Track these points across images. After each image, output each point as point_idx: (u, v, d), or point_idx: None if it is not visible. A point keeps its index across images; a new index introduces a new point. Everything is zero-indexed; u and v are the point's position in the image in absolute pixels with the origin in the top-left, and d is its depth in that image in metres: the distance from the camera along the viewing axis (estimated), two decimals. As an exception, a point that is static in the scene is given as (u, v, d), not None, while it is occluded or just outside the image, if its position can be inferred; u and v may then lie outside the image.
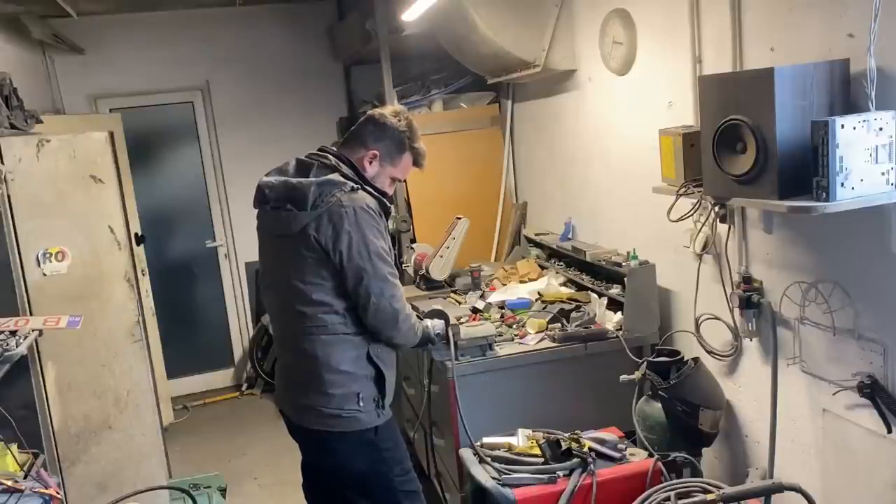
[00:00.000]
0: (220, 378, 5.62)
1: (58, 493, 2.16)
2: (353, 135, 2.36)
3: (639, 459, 2.33)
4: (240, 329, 5.62)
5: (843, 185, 1.72)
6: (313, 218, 2.17)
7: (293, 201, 2.20)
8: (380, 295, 2.19)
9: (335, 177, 2.21)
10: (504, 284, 3.60)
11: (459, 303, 3.42)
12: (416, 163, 2.40)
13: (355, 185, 2.22)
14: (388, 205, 2.35)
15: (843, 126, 1.70)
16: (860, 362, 2.00)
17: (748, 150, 1.90)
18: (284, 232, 2.24)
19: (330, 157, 2.29)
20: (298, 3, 5.31)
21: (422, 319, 2.48)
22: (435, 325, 2.50)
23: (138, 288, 3.21)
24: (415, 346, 2.44)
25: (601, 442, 2.36)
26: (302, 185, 2.19)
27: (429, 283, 3.71)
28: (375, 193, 2.28)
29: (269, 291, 2.44)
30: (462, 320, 2.92)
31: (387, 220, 2.30)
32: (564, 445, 2.29)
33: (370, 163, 2.32)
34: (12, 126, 2.94)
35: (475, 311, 3.23)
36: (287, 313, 2.32)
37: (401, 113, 2.36)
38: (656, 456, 2.31)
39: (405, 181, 4.30)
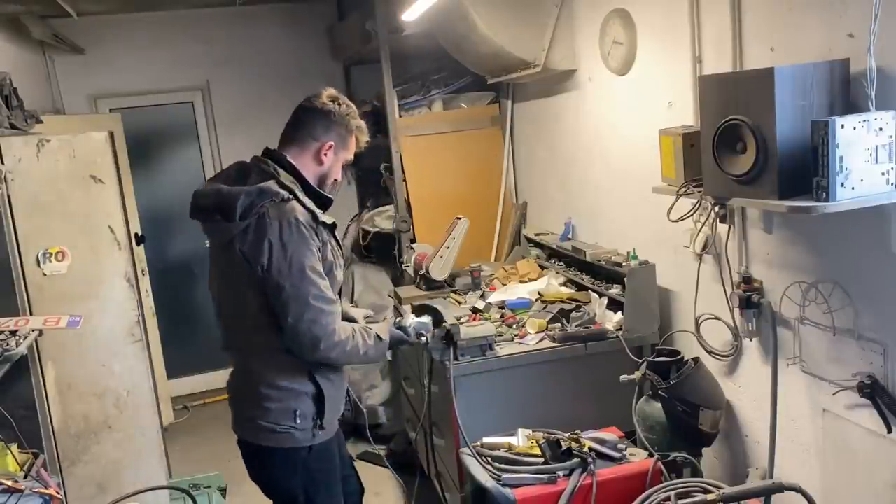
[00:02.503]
0: (220, 378, 5.54)
1: (58, 493, 2.16)
2: (297, 130, 2.23)
3: (639, 459, 2.33)
4: (240, 329, 5.61)
5: (843, 185, 1.72)
6: (240, 229, 2.06)
7: (221, 211, 2.07)
8: (297, 317, 2.04)
9: (268, 185, 2.07)
10: (504, 284, 3.60)
11: (459, 303, 3.42)
12: (359, 141, 2.29)
13: (287, 196, 2.07)
14: (328, 201, 2.24)
15: (843, 126, 1.70)
16: (860, 362, 2.00)
17: (748, 150, 1.90)
18: (216, 243, 2.18)
19: (269, 162, 2.17)
20: (298, 3, 5.31)
21: (401, 317, 2.41)
22: (417, 322, 2.37)
23: (138, 288, 3.21)
24: (379, 357, 2.28)
25: (601, 442, 2.36)
26: (231, 194, 2.06)
27: (429, 283, 3.71)
28: (308, 205, 2.12)
29: (215, 302, 2.30)
30: (462, 320, 2.91)
31: (319, 224, 2.13)
32: (564, 445, 2.28)
33: (326, 154, 2.21)
34: (12, 126, 2.94)
35: (475, 311, 3.23)
36: (229, 325, 2.26)
37: (337, 96, 2.25)
38: (656, 456, 2.31)
39: (405, 180, 4.33)
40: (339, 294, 2.27)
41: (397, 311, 3.62)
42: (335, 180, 2.29)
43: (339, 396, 2.28)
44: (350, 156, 2.29)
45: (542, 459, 2.27)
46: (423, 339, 2.41)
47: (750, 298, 2.33)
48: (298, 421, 2.16)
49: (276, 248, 2.03)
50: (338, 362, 2.19)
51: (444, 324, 2.51)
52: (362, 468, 3.17)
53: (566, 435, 2.34)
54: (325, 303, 2.07)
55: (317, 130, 2.21)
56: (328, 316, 2.08)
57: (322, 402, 2.17)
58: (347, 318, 2.42)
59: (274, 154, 2.21)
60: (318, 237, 2.10)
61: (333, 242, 2.21)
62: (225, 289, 2.23)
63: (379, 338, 2.23)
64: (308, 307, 2.05)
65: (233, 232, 2.07)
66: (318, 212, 2.15)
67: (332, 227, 2.21)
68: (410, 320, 2.40)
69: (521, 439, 2.36)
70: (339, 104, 2.23)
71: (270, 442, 2.19)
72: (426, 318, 2.46)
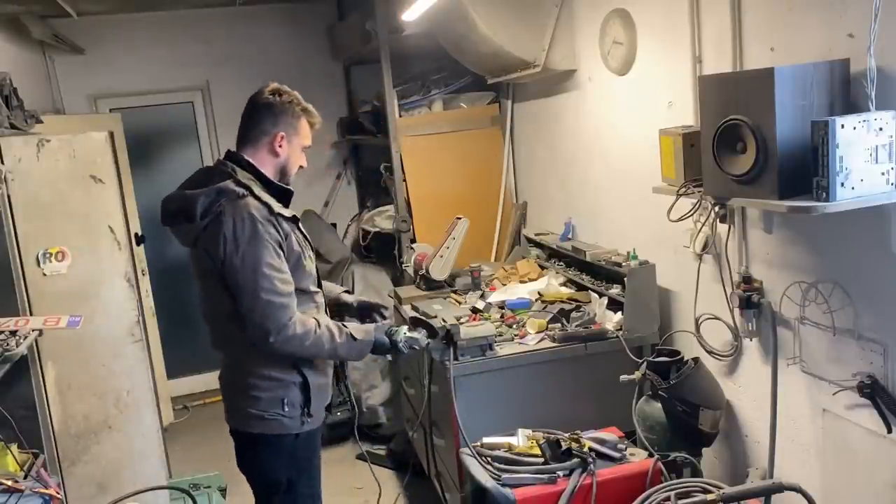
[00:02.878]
0: (220, 378, 5.61)
1: (58, 493, 2.16)
2: (248, 129, 2.29)
3: (639, 459, 2.33)
4: (240, 329, 5.62)
5: (843, 185, 1.72)
6: (201, 229, 2.14)
7: (185, 213, 2.16)
8: (249, 310, 2.11)
9: (225, 184, 2.14)
10: (504, 284, 3.60)
11: (459, 303, 3.42)
12: (312, 125, 2.35)
13: (243, 193, 2.13)
14: (288, 193, 2.30)
15: (843, 126, 1.70)
16: (860, 362, 2.00)
17: (748, 150, 1.90)
18: (186, 245, 2.26)
19: (228, 163, 2.25)
20: (298, 3, 5.31)
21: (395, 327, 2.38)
22: (408, 336, 2.34)
23: (138, 288, 3.21)
24: (353, 356, 2.31)
25: (601, 442, 2.36)
26: (192, 197, 2.14)
27: (429, 283, 3.71)
28: (264, 199, 2.16)
29: (200, 300, 2.38)
30: (462, 320, 2.91)
31: (277, 217, 2.17)
32: (564, 445, 2.29)
33: (281, 145, 2.27)
34: (12, 126, 2.94)
35: (475, 311, 3.23)
36: (211, 322, 2.34)
37: (277, 88, 2.29)
38: (656, 456, 2.31)
39: (405, 180, 4.33)
40: (319, 283, 2.35)
41: (398, 313, 3.62)
42: (301, 167, 2.35)
43: (325, 386, 2.34)
44: (306, 141, 2.34)
45: (542, 459, 2.27)
46: (413, 350, 2.39)
47: (750, 298, 2.33)
48: (287, 409, 2.22)
49: (230, 244, 2.10)
50: (298, 355, 2.20)
51: (437, 336, 2.48)
52: (362, 467, 3.17)
53: (566, 435, 2.34)
54: (277, 296, 2.10)
55: (265, 124, 2.26)
56: (280, 309, 2.10)
57: (309, 392, 2.24)
58: (339, 302, 2.57)
59: (232, 155, 2.28)
60: (277, 230, 2.15)
61: (298, 234, 2.26)
62: (202, 288, 2.30)
63: (353, 337, 2.23)
64: (257, 300, 2.09)
65: (195, 232, 2.16)
66: (276, 205, 2.19)
67: (294, 220, 2.25)
68: (403, 333, 2.35)
69: (521, 439, 2.36)
70: (278, 95, 2.28)
71: (259, 429, 2.25)
72: (418, 334, 2.41)
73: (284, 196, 2.29)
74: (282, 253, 2.15)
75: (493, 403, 2.75)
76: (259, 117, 2.27)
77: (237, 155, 2.27)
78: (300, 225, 2.29)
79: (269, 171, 2.26)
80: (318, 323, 2.19)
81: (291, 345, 2.13)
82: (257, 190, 2.18)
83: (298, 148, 2.32)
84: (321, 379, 2.31)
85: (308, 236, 2.35)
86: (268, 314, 2.10)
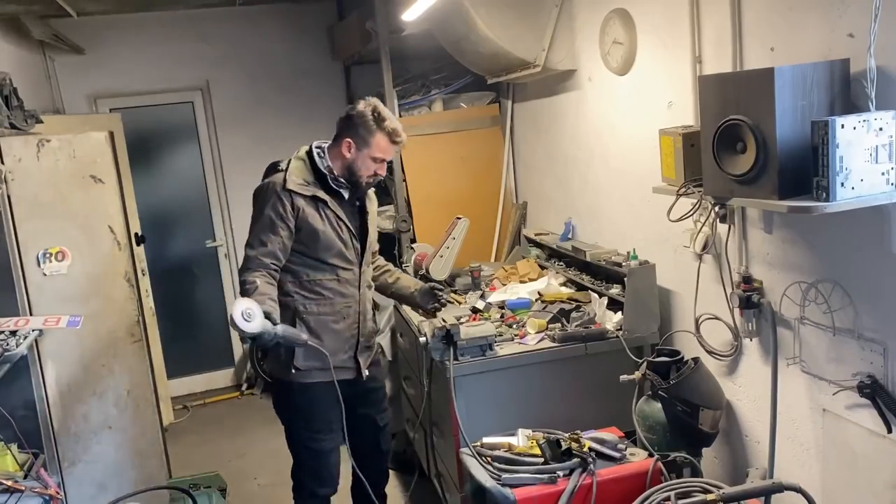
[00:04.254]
0: (220, 378, 5.62)
1: (58, 493, 2.17)
2: (337, 129, 2.73)
3: (639, 459, 2.33)
4: (240, 329, 5.62)
5: (843, 185, 1.72)
6: None
7: None
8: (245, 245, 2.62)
9: (282, 163, 2.66)
10: (504, 284, 3.60)
11: (459, 303, 3.42)
12: (392, 140, 2.67)
13: (281, 168, 2.63)
14: (342, 186, 2.69)
15: (843, 126, 1.70)
16: (860, 362, 2.00)
17: (748, 150, 1.90)
18: None
19: (302, 148, 2.71)
20: (298, 3, 5.30)
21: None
22: (244, 307, 2.28)
23: (138, 288, 3.21)
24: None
25: (601, 442, 2.36)
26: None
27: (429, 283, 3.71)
28: (291, 178, 2.59)
29: None
30: (462, 320, 2.91)
31: (290, 192, 2.57)
32: (564, 445, 2.29)
33: (349, 150, 2.65)
34: (12, 126, 2.94)
35: (475, 311, 3.22)
36: None
37: (368, 102, 2.68)
38: (656, 456, 2.31)
39: (405, 180, 4.33)
40: (352, 259, 2.70)
41: (398, 313, 3.62)
42: (375, 174, 2.70)
43: (318, 346, 2.57)
44: (376, 153, 2.67)
45: (542, 459, 2.27)
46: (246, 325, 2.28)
47: (750, 298, 2.33)
48: (283, 358, 2.65)
49: (253, 205, 2.65)
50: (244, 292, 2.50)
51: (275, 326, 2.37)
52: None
53: (566, 435, 2.34)
54: (250, 247, 2.57)
55: (342, 129, 2.70)
56: (246, 258, 2.55)
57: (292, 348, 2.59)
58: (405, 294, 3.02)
59: (318, 146, 2.72)
60: (287, 201, 2.56)
61: (322, 212, 2.62)
62: None
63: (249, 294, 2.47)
64: (246, 247, 2.59)
65: None
66: (295, 183, 2.59)
67: (315, 199, 2.61)
68: (242, 305, 2.26)
69: (521, 439, 2.36)
70: (364, 108, 2.66)
71: (272, 371, 2.83)
72: (251, 305, 2.28)
73: (342, 186, 2.69)
74: (284, 218, 2.55)
75: (493, 403, 2.75)
76: (341, 122, 2.71)
77: (320, 146, 2.71)
78: (330, 205, 2.64)
79: (336, 166, 2.67)
80: (256, 283, 2.48)
81: (242, 284, 2.52)
82: (293, 172, 2.62)
83: (367, 157, 2.66)
84: (313, 336, 2.60)
85: (344, 217, 2.68)
86: (245, 256, 2.57)
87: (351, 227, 2.70)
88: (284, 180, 2.58)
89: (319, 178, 2.66)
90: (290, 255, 2.61)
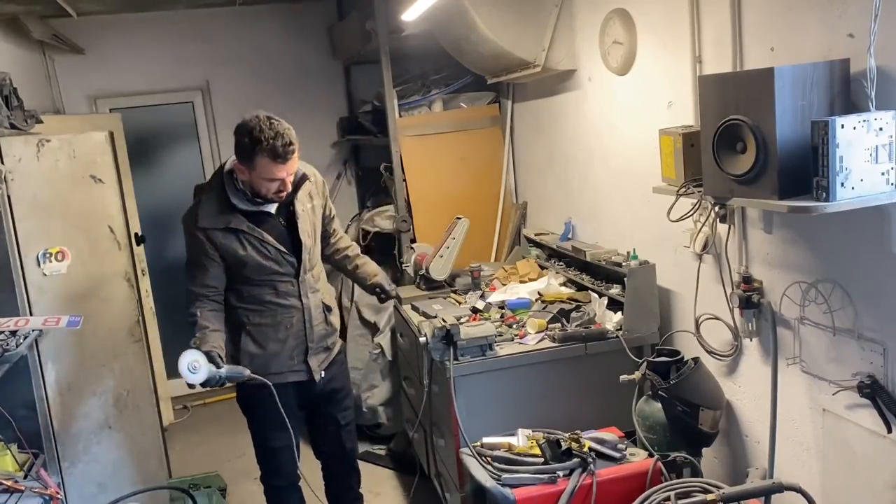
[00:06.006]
0: (221, 378, 5.61)
1: (58, 493, 2.17)
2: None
3: (639, 459, 2.33)
4: (240, 329, 5.62)
5: (843, 185, 1.72)
6: None
7: None
8: None
9: (205, 186, 2.70)
10: (504, 284, 3.60)
11: (459, 303, 3.42)
12: (275, 158, 2.45)
13: (200, 197, 2.64)
14: (252, 203, 2.59)
15: (843, 126, 1.70)
16: (860, 362, 2.00)
17: (748, 150, 1.90)
18: None
19: (217, 170, 2.68)
20: (298, 3, 5.31)
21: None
22: (190, 360, 2.39)
23: (138, 288, 3.21)
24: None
25: (601, 442, 2.36)
26: None
27: (429, 283, 3.71)
28: (200, 211, 2.58)
29: None
30: (462, 320, 2.92)
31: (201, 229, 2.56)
32: (564, 445, 2.29)
33: (242, 173, 2.53)
34: (12, 126, 2.94)
35: (475, 311, 3.23)
36: None
37: (248, 119, 2.48)
38: (656, 456, 2.31)
39: (405, 180, 4.33)
40: (288, 270, 2.66)
41: (398, 313, 3.62)
42: (279, 190, 2.54)
43: (259, 355, 2.68)
44: (266, 174, 2.48)
45: (542, 459, 2.27)
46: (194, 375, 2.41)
47: (750, 298, 2.33)
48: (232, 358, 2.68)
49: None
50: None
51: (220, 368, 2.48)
52: (363, 467, 3.17)
53: (566, 435, 2.34)
54: (188, 281, 2.62)
55: (235, 151, 2.54)
56: (187, 286, 2.62)
57: (239, 352, 2.69)
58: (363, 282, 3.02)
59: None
60: (203, 238, 2.57)
61: (233, 240, 2.57)
62: None
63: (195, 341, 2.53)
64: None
65: None
66: (208, 217, 2.57)
67: (230, 230, 2.56)
68: (187, 357, 2.39)
69: (521, 439, 2.36)
70: (244, 130, 2.47)
71: None
72: (196, 357, 2.40)
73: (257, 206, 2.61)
74: (207, 254, 2.57)
75: (493, 403, 2.75)
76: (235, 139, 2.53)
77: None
78: (248, 230, 2.58)
79: (245, 184, 2.55)
80: (198, 315, 2.56)
81: (188, 317, 2.59)
82: (205, 204, 2.59)
83: (259, 179, 2.50)
84: (253, 347, 2.69)
85: (269, 238, 2.61)
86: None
87: (278, 245, 2.63)
88: (196, 217, 2.57)
89: (245, 197, 2.58)
90: (228, 275, 2.64)
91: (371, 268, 3.04)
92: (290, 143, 2.47)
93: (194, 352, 2.40)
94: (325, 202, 2.88)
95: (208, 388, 2.55)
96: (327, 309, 2.81)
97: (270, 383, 2.56)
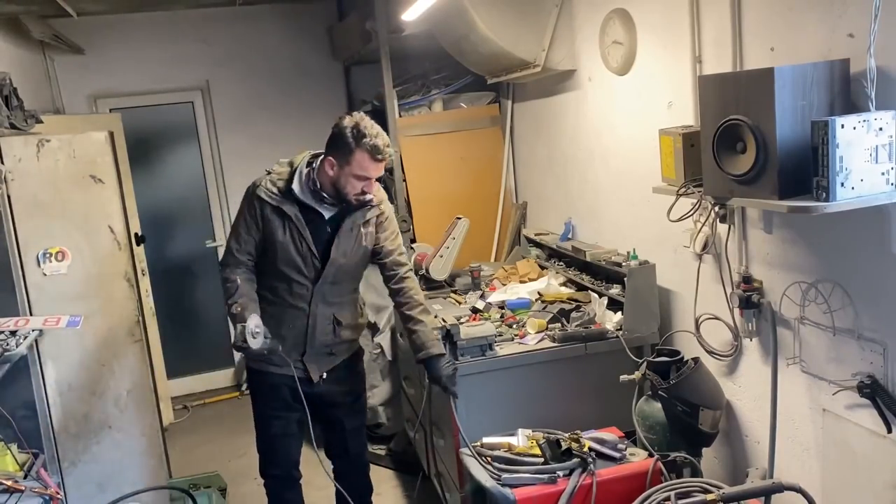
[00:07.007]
0: (220, 378, 5.61)
1: (58, 493, 2.17)
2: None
3: (639, 459, 2.33)
4: (240, 329, 5.62)
5: (843, 185, 1.72)
6: None
7: None
8: None
9: (278, 165, 2.72)
10: (504, 284, 3.60)
11: (459, 303, 3.42)
12: (373, 157, 2.53)
13: (268, 171, 2.71)
14: (328, 198, 2.62)
15: (843, 126, 1.70)
16: (860, 362, 2.00)
17: (748, 150, 1.90)
18: None
19: (300, 156, 2.69)
20: (298, 3, 5.30)
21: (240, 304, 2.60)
22: (254, 325, 2.46)
23: (138, 288, 3.21)
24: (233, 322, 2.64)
25: (601, 442, 2.36)
26: None
27: (429, 283, 3.71)
28: (265, 186, 2.64)
29: None
30: (462, 320, 2.92)
31: (259, 201, 2.63)
32: (564, 445, 2.29)
33: (331, 168, 2.57)
34: (12, 126, 2.94)
35: (475, 311, 3.23)
36: None
37: (352, 117, 2.56)
38: (656, 456, 2.31)
39: (405, 180, 4.33)
40: (307, 272, 2.67)
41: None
42: (362, 192, 2.60)
43: (266, 335, 2.58)
44: (358, 171, 2.55)
45: (542, 459, 2.27)
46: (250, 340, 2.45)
47: (750, 298, 2.34)
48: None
49: None
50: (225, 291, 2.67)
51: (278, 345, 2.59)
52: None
53: (566, 435, 2.34)
54: (231, 241, 2.71)
55: (327, 145, 2.61)
56: (229, 245, 2.71)
57: (244, 331, 2.61)
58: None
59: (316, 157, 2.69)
60: (257, 205, 2.64)
61: (277, 221, 2.63)
62: None
63: (233, 312, 2.57)
64: (230, 232, 2.78)
65: None
66: (267, 193, 2.63)
67: (280, 212, 2.62)
68: (252, 322, 2.46)
69: (521, 439, 2.36)
70: (346, 123, 2.54)
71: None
72: (259, 326, 2.46)
73: (314, 204, 2.65)
74: (255, 220, 2.65)
75: (493, 403, 2.75)
76: (329, 138, 2.60)
77: (315, 157, 2.68)
78: (294, 220, 2.62)
79: (323, 182, 2.61)
80: (238, 282, 2.63)
81: (223, 280, 2.67)
82: (269, 180, 2.67)
83: (349, 176, 2.56)
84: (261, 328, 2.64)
85: (307, 236, 2.64)
86: (223, 257, 2.75)
87: (312, 248, 2.64)
88: (259, 185, 2.66)
89: (311, 189, 2.62)
90: (257, 254, 2.72)
91: (423, 337, 2.65)
92: (388, 145, 2.57)
93: (258, 318, 2.49)
94: (386, 234, 2.76)
95: (243, 355, 2.69)
96: (338, 323, 2.74)
97: (280, 348, 2.59)
